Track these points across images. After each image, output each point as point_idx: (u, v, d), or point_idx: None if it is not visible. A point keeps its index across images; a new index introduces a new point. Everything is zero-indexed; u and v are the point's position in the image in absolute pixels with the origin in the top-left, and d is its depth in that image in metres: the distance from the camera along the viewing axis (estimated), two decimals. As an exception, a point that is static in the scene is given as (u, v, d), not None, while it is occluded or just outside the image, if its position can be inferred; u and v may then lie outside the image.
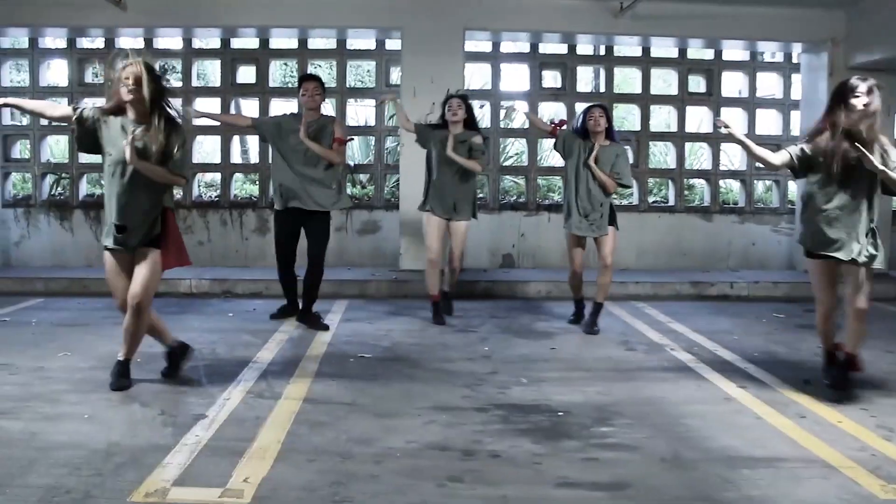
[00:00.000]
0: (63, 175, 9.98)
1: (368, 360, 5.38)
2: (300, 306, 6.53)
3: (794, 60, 10.01)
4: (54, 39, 10.08)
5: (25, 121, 9.84)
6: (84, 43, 10.02)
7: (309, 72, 7.47)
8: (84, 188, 9.91)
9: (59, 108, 4.74)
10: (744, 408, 4.38)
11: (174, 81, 10.43)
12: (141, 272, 4.46)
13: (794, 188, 10.19)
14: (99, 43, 9.94)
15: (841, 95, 4.44)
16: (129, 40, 9.87)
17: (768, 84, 10.92)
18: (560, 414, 4.22)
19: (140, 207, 4.43)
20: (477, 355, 5.57)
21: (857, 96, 4.35)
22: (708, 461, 3.54)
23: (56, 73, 10.62)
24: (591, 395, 4.60)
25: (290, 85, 12.20)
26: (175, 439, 3.70)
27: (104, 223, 4.58)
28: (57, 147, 10.66)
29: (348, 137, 6.67)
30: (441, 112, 6.72)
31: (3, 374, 4.83)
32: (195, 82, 10.10)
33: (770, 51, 10.13)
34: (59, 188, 10.08)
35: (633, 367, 5.30)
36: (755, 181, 10.23)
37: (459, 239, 6.78)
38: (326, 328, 6.35)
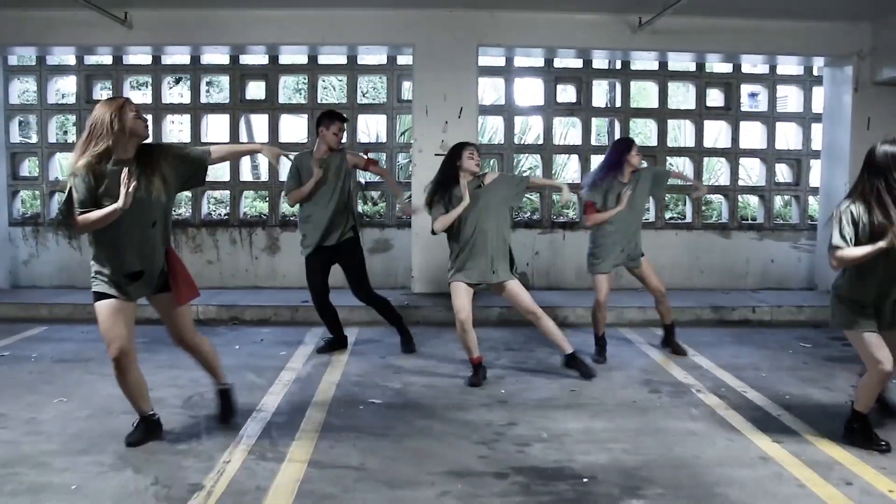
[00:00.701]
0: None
1: (378, 408, 4.95)
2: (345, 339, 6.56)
3: (815, 73, 9.53)
4: (62, 57, 9.72)
5: (35, 138, 9.51)
6: (92, 60, 9.62)
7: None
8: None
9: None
10: (783, 471, 3.93)
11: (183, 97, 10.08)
12: (180, 320, 4.31)
13: (813, 203, 9.73)
14: (107, 60, 9.53)
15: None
16: (137, 57, 9.51)
17: (789, 97, 10.42)
18: (585, 481, 3.78)
19: (158, 250, 4.12)
20: (493, 400, 5.13)
21: None
22: (753, 550, 3.12)
23: (64, 88, 10.26)
24: (617, 453, 4.17)
25: (299, 101, 11.81)
26: (167, 519, 3.30)
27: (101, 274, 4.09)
28: (65, 163, 10.29)
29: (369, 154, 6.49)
30: (450, 160, 5.60)
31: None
32: (203, 98, 9.70)
33: (791, 64, 9.63)
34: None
35: (659, 415, 4.85)
36: (774, 196, 9.75)
37: (525, 300, 5.70)
38: (413, 350, 6.43)
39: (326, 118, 6.17)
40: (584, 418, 4.77)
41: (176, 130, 10.87)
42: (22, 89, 10.02)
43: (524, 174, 5.79)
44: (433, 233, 5.65)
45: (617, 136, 9.64)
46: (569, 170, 11.34)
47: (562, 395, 5.27)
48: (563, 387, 5.48)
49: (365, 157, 6.43)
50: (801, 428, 4.61)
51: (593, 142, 9.56)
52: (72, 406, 4.88)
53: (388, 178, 7.40)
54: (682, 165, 10.59)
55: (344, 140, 6.53)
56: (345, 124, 6.26)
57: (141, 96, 12.08)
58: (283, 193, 6.68)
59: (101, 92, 9.61)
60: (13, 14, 8.33)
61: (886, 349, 4.14)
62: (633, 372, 5.90)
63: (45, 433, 4.38)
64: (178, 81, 12.47)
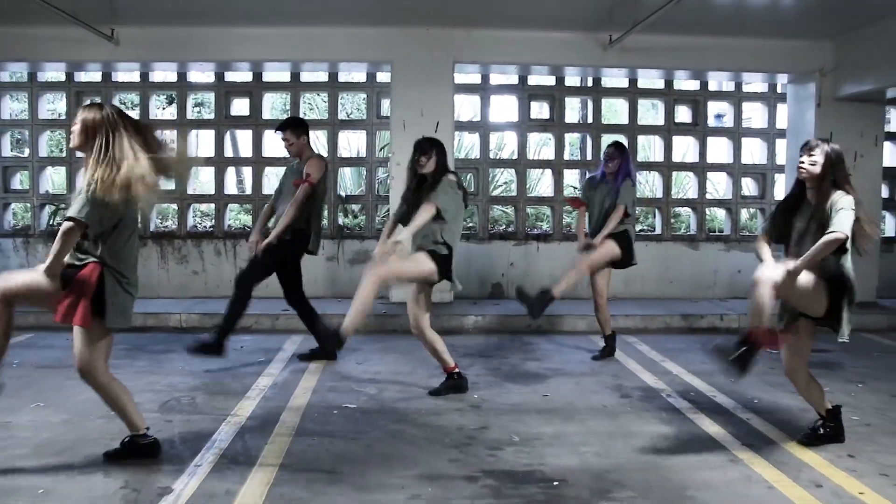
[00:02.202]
0: (61, 206, 9.40)
1: (353, 412, 4.75)
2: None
3: (779, 90, 9.48)
4: (53, 74, 9.51)
5: (27, 151, 9.30)
6: (81, 77, 9.42)
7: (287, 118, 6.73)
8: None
9: None
10: (753, 473, 3.77)
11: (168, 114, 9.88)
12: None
13: (778, 216, 9.64)
14: (96, 77, 9.34)
15: None
16: (125, 74, 9.32)
17: (753, 114, 10.38)
18: (555, 484, 3.60)
19: None
20: (466, 405, 4.95)
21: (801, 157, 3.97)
22: (723, 551, 2.95)
23: (55, 105, 10.05)
24: (587, 457, 3.99)
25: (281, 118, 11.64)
26: (132, 525, 3.09)
27: (124, 302, 3.63)
28: (57, 177, 10.07)
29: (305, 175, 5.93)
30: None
31: (-35, 434, 4.21)
32: (190, 115, 9.51)
33: (756, 81, 9.59)
34: (56, 218, 9.49)
35: (629, 419, 4.68)
36: (740, 209, 9.67)
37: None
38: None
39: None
40: (555, 422, 4.60)
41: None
42: (13, 106, 9.78)
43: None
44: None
45: (589, 151, 9.55)
46: (542, 184, 11.22)
47: (534, 401, 5.09)
48: (536, 392, 5.31)
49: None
50: (770, 431, 4.47)
51: (566, 157, 9.46)
52: (48, 411, 4.65)
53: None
54: (652, 180, 10.50)
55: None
56: (283, 133, 6.03)
57: (129, 113, 11.86)
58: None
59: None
60: (4, 31, 8.12)
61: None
62: (604, 377, 5.74)
63: (17, 438, 4.14)
64: (170, 102, 12.26)
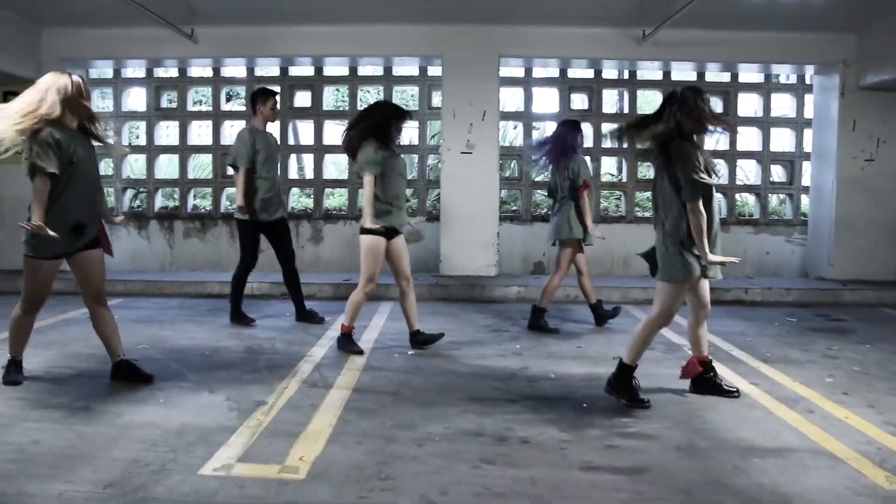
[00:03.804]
0: (141, 189, 10.28)
1: (410, 356, 5.44)
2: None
3: (807, 82, 9.89)
4: (134, 70, 10.37)
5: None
6: (160, 72, 10.28)
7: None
8: (159, 201, 10.21)
9: None
10: (756, 402, 4.35)
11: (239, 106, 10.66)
12: (99, 269, 4.41)
13: (805, 201, 10.05)
14: (173, 72, 10.19)
15: None
16: (199, 69, 10.14)
17: (782, 104, 10.77)
18: (584, 406, 4.24)
19: (97, 209, 4.41)
20: (509, 352, 5.60)
21: None
22: (721, 450, 3.54)
23: (136, 99, 10.92)
24: (613, 389, 4.60)
25: (342, 108, 12.38)
26: (239, 421, 3.80)
27: (41, 232, 3.96)
28: (136, 164, 10.95)
29: None
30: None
31: (91, 362, 4.99)
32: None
33: (784, 73, 10.01)
34: (137, 201, 10.37)
35: (652, 365, 5.26)
36: (769, 195, 10.11)
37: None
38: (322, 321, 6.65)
39: (261, 95, 6.49)
40: (587, 366, 5.21)
41: (230, 135, 11.44)
42: (100, 100, 10.68)
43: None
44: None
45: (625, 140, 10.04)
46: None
47: (569, 350, 5.71)
48: (571, 344, 5.93)
49: None
50: (776, 375, 5.01)
51: (604, 145, 9.99)
52: (152, 351, 5.42)
53: None
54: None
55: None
56: (277, 98, 6.55)
57: (201, 105, 12.72)
58: (230, 160, 6.58)
59: (169, 102, 10.24)
60: (97, 32, 9.01)
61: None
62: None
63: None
64: (228, 99, 13.10)
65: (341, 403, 4.17)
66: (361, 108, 5.63)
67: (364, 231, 5.29)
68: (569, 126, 6.45)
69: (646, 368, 5.11)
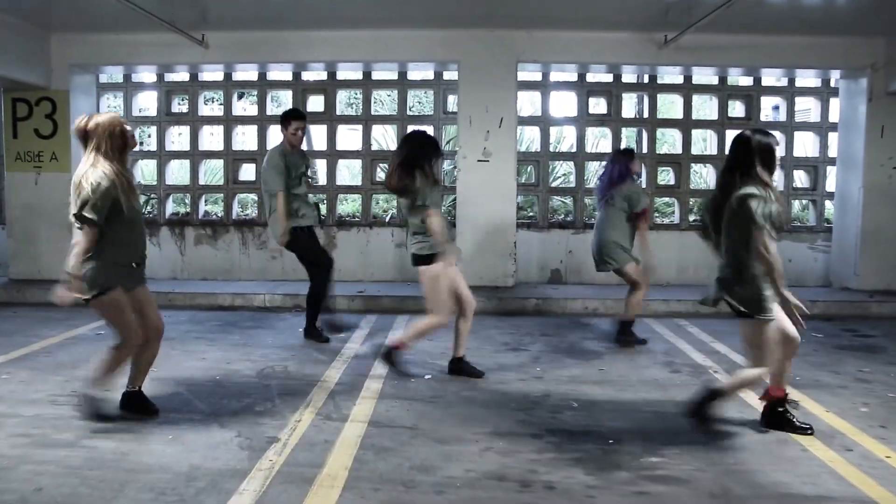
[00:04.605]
0: (152, 196, 10.15)
1: (428, 381, 5.26)
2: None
3: (832, 85, 9.62)
4: (145, 74, 10.23)
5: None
6: (170, 76, 10.13)
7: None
8: (170, 207, 10.08)
9: None
10: (789, 438, 4.14)
11: (251, 109, 10.52)
12: (154, 302, 4.39)
13: (830, 207, 9.80)
14: (184, 76, 10.03)
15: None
16: (211, 74, 9.98)
17: (808, 109, 10.51)
18: (611, 442, 4.05)
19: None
20: (529, 376, 5.41)
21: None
22: (758, 498, 3.34)
23: (146, 102, 10.80)
24: (639, 421, 4.42)
25: (355, 113, 12.21)
26: (251, 463, 3.64)
27: (108, 269, 4.01)
28: (147, 169, 10.82)
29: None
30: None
31: (98, 391, 4.83)
32: (269, 111, 10.12)
33: (809, 77, 9.73)
34: (148, 207, 10.24)
35: (679, 391, 5.06)
36: (792, 200, 9.86)
37: None
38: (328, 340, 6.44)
39: (284, 118, 6.33)
40: (610, 392, 5.02)
41: (241, 140, 11.29)
42: (110, 104, 10.54)
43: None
44: None
45: (645, 145, 9.84)
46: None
47: (591, 373, 5.52)
48: (593, 366, 5.74)
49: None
50: (808, 403, 4.80)
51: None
52: (161, 375, 5.26)
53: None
54: (706, 172, 10.72)
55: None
56: (304, 122, 6.37)
57: (212, 110, 12.57)
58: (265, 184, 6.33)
59: (179, 105, 10.10)
60: (107, 38, 8.87)
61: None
62: (656, 355, 6.12)
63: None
64: (239, 97, 12.94)
65: (357, 440, 3.99)
66: (399, 143, 5.42)
67: (426, 261, 5.06)
68: (619, 155, 6.46)
69: (674, 395, 4.93)
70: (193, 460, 3.67)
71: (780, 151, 4.13)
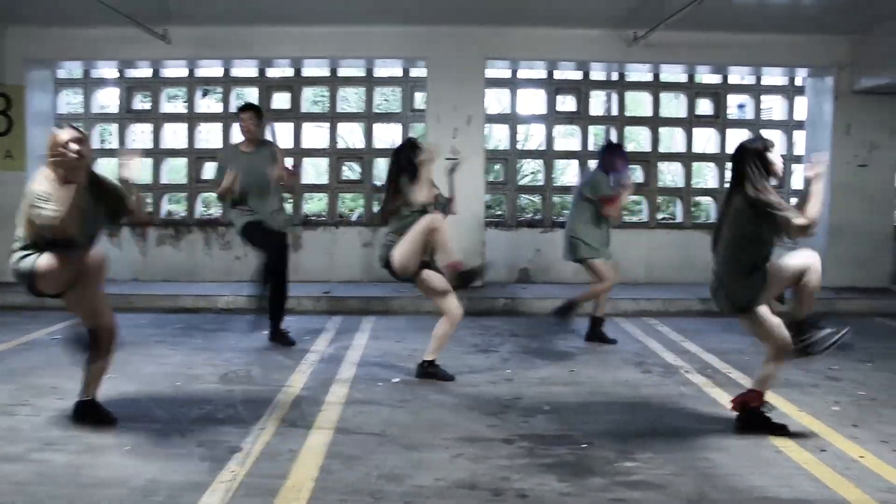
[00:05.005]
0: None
1: (396, 384, 5.13)
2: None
3: (798, 84, 9.67)
4: (105, 70, 9.95)
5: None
6: (132, 72, 9.86)
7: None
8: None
9: None
10: (763, 440, 4.08)
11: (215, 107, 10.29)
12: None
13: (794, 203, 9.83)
14: (146, 73, 9.76)
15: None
16: (174, 70, 9.72)
17: (773, 107, 10.59)
18: (584, 446, 3.95)
19: None
20: (500, 378, 5.31)
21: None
22: (735, 503, 3.27)
23: (107, 100, 10.51)
24: (612, 423, 4.33)
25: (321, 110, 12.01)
26: (211, 476, 3.46)
27: None
28: (107, 168, 10.52)
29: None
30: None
31: (51, 399, 4.63)
32: (233, 108, 9.89)
33: (776, 76, 9.78)
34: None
35: (650, 392, 5.01)
36: (759, 198, 9.89)
37: None
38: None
39: (238, 110, 6.25)
40: (582, 394, 4.94)
41: (205, 138, 11.03)
42: (69, 100, 10.24)
43: None
44: None
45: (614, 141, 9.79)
46: (568, 174, 11.51)
47: (562, 375, 5.43)
48: (564, 367, 5.65)
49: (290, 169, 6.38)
50: (780, 403, 4.74)
51: (591, 148, 9.74)
52: (121, 381, 5.04)
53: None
54: (674, 170, 10.73)
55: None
56: (252, 113, 6.14)
57: (175, 107, 12.28)
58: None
59: (141, 102, 9.83)
60: (64, 32, 8.58)
61: None
62: (626, 355, 6.06)
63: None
64: (204, 94, 12.66)
65: (323, 449, 3.84)
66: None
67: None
68: (605, 148, 6.63)
69: (646, 396, 4.86)
70: (151, 473, 3.49)
71: (775, 152, 4.06)
